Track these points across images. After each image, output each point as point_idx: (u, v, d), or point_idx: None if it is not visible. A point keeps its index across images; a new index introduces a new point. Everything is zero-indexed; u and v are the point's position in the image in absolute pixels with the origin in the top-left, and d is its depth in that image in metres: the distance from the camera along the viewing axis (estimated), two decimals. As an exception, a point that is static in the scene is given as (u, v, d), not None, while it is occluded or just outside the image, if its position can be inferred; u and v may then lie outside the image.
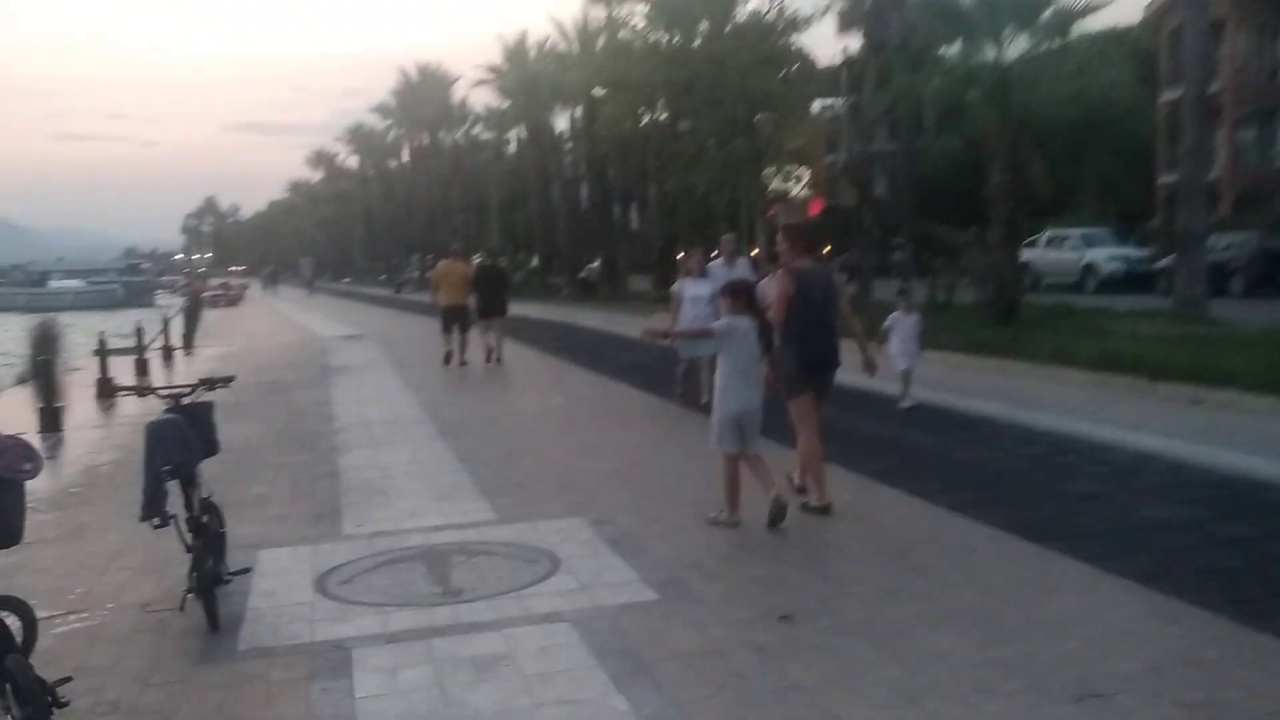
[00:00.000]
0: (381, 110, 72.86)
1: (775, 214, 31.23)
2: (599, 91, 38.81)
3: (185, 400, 5.76)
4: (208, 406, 5.81)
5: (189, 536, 5.35)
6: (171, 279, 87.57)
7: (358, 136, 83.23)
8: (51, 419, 12.57)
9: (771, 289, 7.33)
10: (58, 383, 14.36)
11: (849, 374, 7.71)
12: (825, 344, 7.17)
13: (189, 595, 5.33)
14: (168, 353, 22.39)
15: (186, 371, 19.84)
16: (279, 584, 6.03)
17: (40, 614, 4.46)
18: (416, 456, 9.87)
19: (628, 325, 23.16)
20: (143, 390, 6.28)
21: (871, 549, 6.37)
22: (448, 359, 17.71)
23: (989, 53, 19.85)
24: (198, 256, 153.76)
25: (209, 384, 5.92)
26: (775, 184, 37.99)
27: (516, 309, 21.47)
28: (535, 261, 56.43)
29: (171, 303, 49.43)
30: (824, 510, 7.07)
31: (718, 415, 6.85)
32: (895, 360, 11.33)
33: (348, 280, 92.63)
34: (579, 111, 44.21)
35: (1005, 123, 19.23)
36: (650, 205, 42.56)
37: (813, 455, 7.21)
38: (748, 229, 34.46)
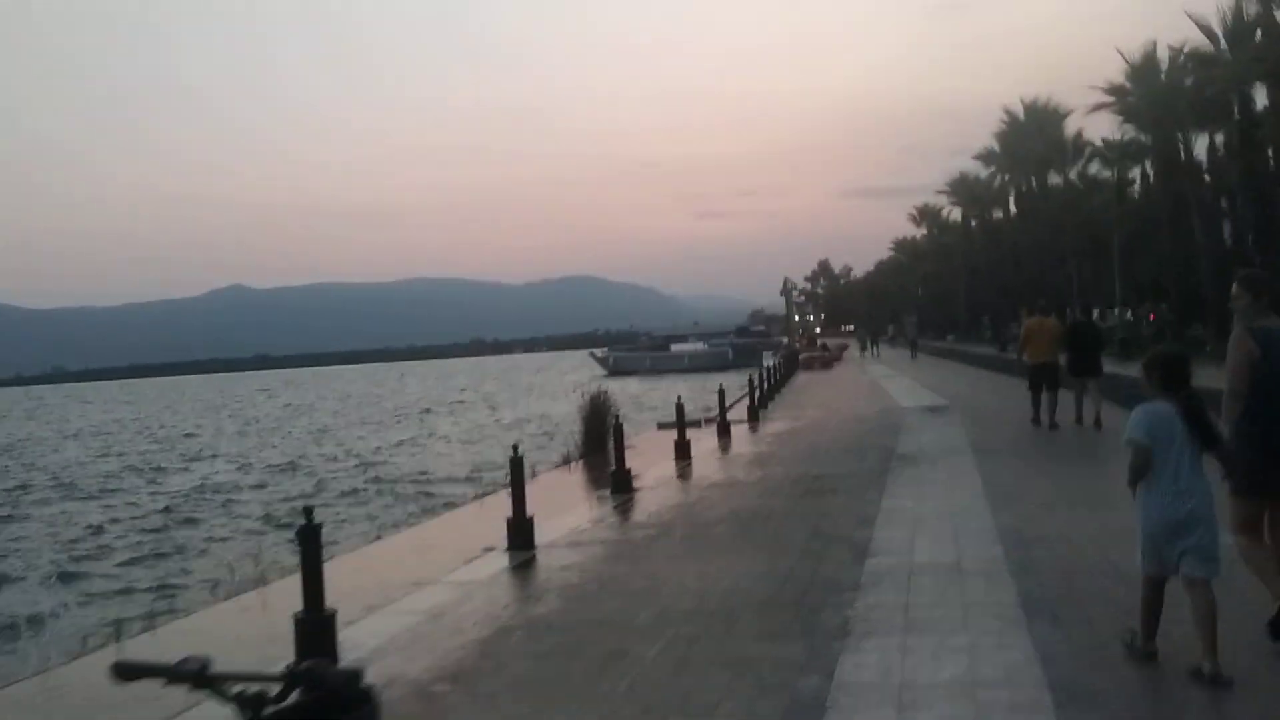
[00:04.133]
0: (984, 157, 68.04)
1: None
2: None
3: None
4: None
5: None
6: (779, 340, 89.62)
7: (959, 187, 79.07)
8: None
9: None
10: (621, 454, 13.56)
11: None
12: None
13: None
14: (723, 427, 19.98)
15: (731, 454, 17.10)
16: None
17: None
18: (976, 667, 5.52)
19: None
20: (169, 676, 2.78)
21: None
22: (1035, 420, 16.92)
23: None
24: (810, 318, 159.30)
25: (299, 681, 2.26)
26: None
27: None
28: (1161, 312, 47.76)
29: (771, 364, 48.96)
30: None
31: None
32: None
33: (951, 337, 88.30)
34: (1225, 131, 35.96)
35: None
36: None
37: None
38: None
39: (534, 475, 16.96)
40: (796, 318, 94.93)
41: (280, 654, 6.30)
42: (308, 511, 6.43)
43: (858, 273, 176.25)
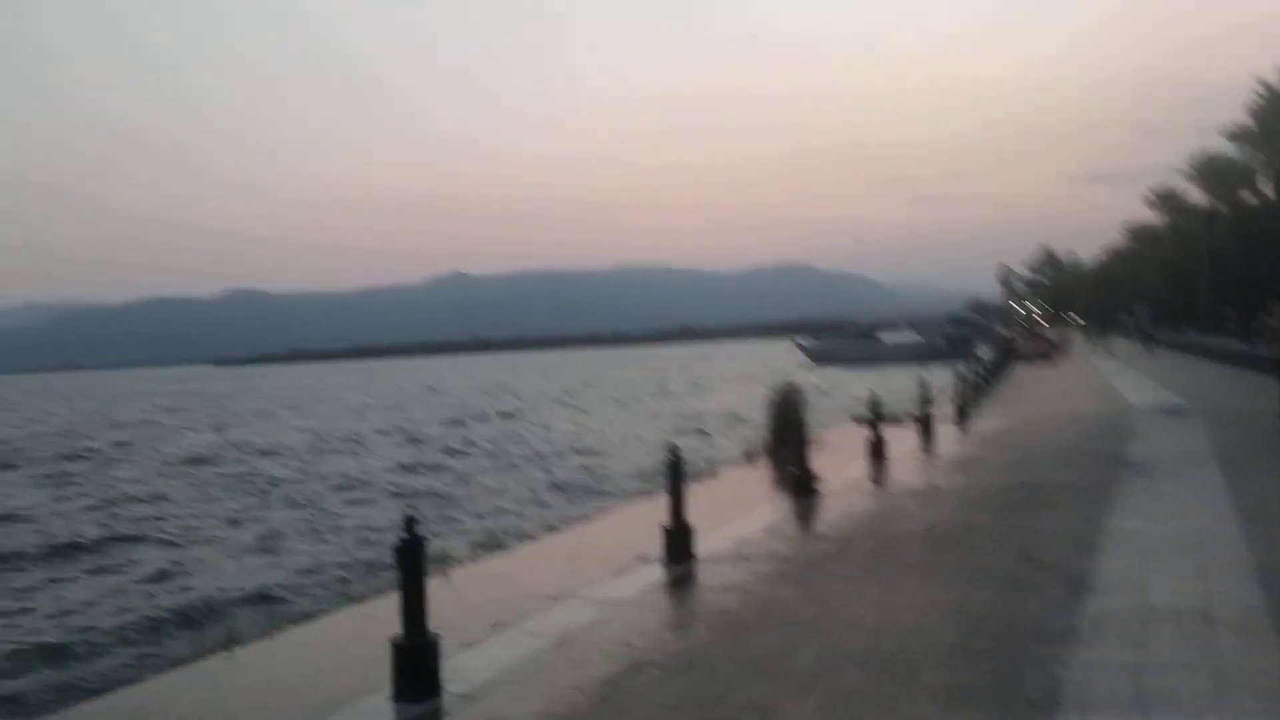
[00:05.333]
0: (1234, 134, 62.07)
1: None
2: None
3: None
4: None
5: None
6: (996, 331, 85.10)
7: (1204, 168, 72.59)
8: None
9: None
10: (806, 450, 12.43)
11: None
12: None
13: None
14: (926, 425, 18.29)
15: (932, 456, 15.50)
16: None
17: None
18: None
19: None
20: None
21: None
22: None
23: None
24: (1030, 307, 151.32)
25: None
26: None
27: None
28: None
29: (987, 356, 46.17)
30: None
31: None
32: None
33: (1189, 330, 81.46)
34: None
35: None
36: None
37: None
38: None
39: (712, 472, 15.93)
40: (1016, 307, 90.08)
41: (383, 676, 5.51)
42: (409, 523, 5.57)
43: (1084, 260, 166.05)
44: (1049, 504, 10.46)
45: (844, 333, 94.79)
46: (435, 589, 8.38)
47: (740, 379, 72.59)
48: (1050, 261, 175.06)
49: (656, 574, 8.29)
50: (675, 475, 8.70)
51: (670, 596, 7.67)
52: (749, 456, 16.55)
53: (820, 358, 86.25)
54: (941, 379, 32.19)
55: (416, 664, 5.52)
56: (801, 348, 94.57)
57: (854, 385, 52.01)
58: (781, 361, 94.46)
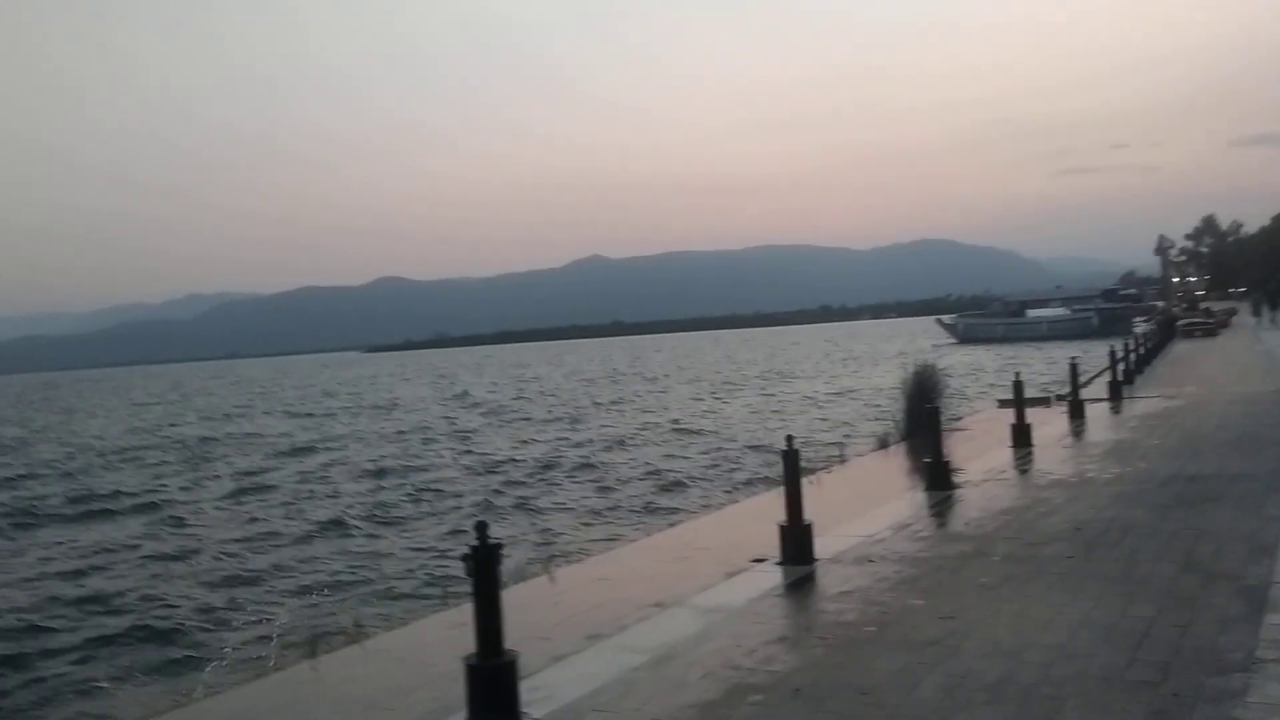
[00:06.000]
0: None
1: None
2: None
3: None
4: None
5: None
6: (1153, 304, 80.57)
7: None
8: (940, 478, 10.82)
9: None
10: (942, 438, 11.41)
11: None
12: None
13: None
14: (1076, 407, 17.02)
15: (1084, 441, 14.32)
16: None
17: None
18: None
19: None
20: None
21: None
22: None
23: None
24: (1192, 279, 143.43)
25: None
26: None
27: None
28: None
29: (1144, 331, 43.68)
30: None
31: None
32: None
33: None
34: None
35: None
36: None
37: None
38: None
39: (843, 459, 15.11)
40: (1175, 279, 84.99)
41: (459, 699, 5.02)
42: (480, 529, 5.06)
43: (1250, 228, 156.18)
44: (1217, 499, 9.36)
45: (990, 310, 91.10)
46: (537, 590, 7.96)
47: (881, 359, 70.71)
48: (1211, 230, 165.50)
49: (772, 578, 7.63)
50: (792, 470, 8.01)
51: (784, 605, 6.98)
52: (883, 443, 15.63)
53: (965, 336, 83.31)
54: (1094, 357, 30.40)
55: (492, 686, 5.02)
56: (945, 326, 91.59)
57: (999, 364, 49.89)
58: (924, 340, 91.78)
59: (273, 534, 17.20)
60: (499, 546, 5.10)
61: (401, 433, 37.38)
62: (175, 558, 15.58)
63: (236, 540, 16.67)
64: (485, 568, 5.05)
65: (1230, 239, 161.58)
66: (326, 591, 12.68)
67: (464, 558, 5.06)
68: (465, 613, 7.46)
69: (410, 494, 20.83)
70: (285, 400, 71.90)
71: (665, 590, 7.44)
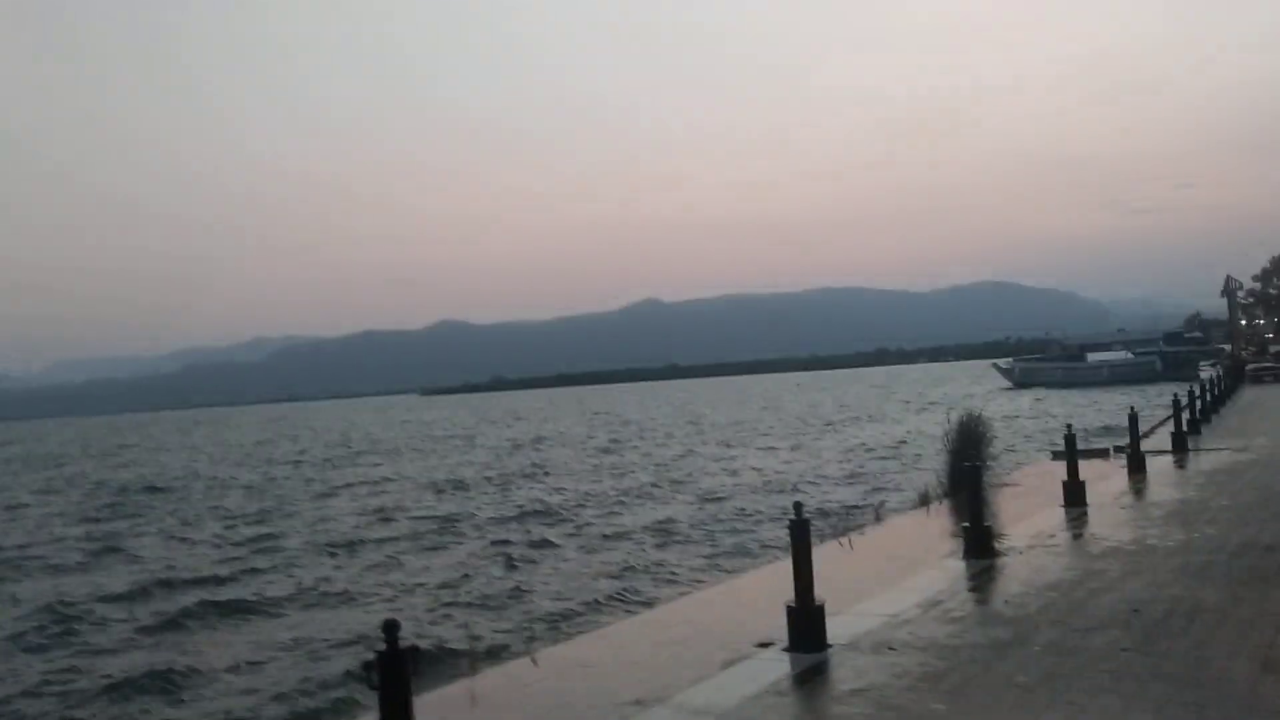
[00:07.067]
0: None
1: None
2: None
3: None
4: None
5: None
6: (1219, 348, 77.81)
7: None
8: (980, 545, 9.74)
9: None
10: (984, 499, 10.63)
11: None
12: None
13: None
14: (1136, 460, 15.77)
15: (1145, 500, 13.09)
16: None
17: None
18: None
19: None
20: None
21: None
22: None
23: None
24: (1260, 322, 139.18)
25: None
26: None
27: None
28: None
29: (1210, 376, 41.87)
30: None
31: None
32: None
33: None
34: None
35: None
36: None
37: None
38: None
39: (878, 519, 14.01)
40: (1243, 322, 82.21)
41: None
42: (389, 630, 4.16)
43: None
44: (1300, 576, 8.18)
45: (1048, 353, 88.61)
46: (506, 680, 7.01)
47: (932, 404, 68.94)
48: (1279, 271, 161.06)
49: (775, 668, 6.62)
50: (801, 542, 7.02)
51: (781, 708, 5.94)
52: (924, 499, 14.48)
53: (1021, 380, 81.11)
54: (1157, 403, 28.96)
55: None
56: (1000, 370, 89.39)
57: (1057, 410, 48.19)
58: (980, 385, 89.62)
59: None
60: (410, 651, 4.22)
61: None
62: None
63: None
64: (392, 677, 4.16)
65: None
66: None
67: (365, 666, 4.16)
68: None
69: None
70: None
71: (651, 682, 6.46)
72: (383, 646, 4.16)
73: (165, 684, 11.05)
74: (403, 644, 4.19)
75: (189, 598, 15.70)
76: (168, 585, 17.00)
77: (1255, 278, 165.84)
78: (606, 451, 44.14)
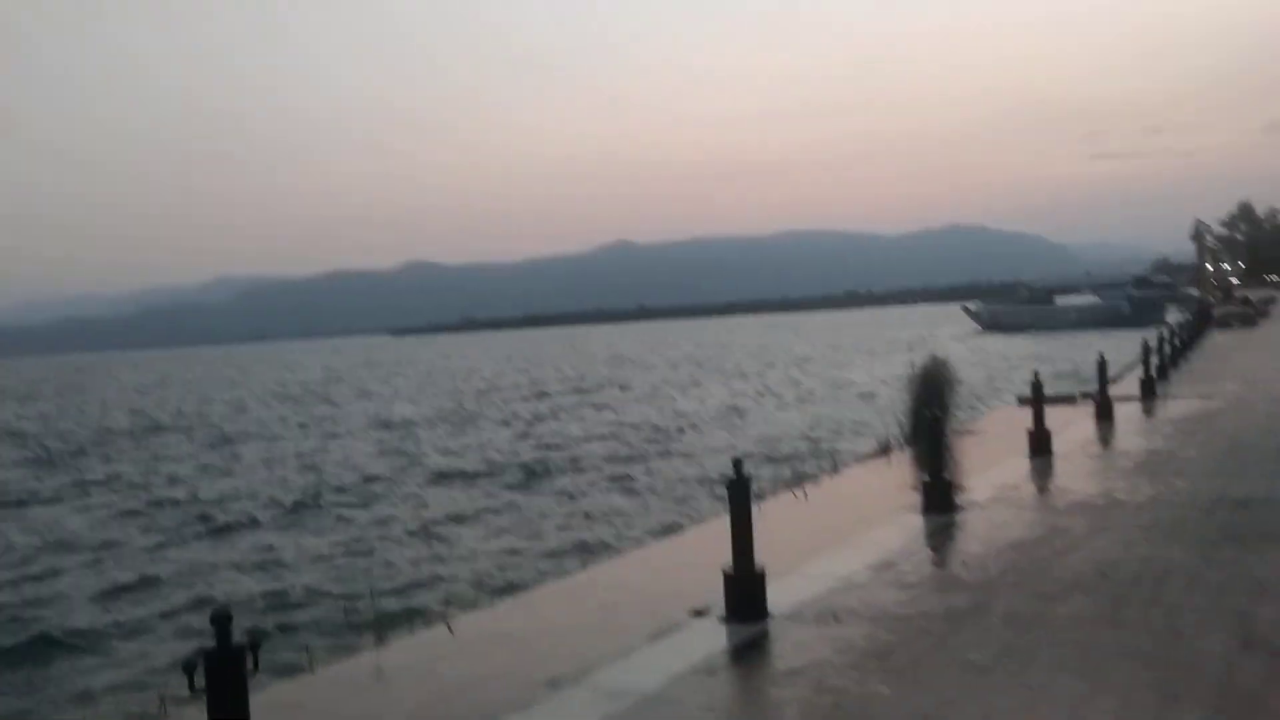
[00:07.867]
0: None
1: None
2: None
3: None
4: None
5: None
6: (1187, 293, 77.88)
7: None
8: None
9: None
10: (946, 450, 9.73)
11: None
12: None
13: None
14: (1104, 407, 15.28)
15: (1112, 449, 12.58)
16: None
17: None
18: None
19: None
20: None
21: None
22: None
23: None
24: (1225, 267, 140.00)
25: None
26: None
27: None
28: None
29: (1177, 320, 41.62)
30: None
31: None
32: None
33: None
34: None
35: None
36: None
37: None
38: None
39: (834, 469, 13.42)
40: (1210, 266, 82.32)
41: None
42: (220, 623, 3.47)
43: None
44: (1276, 537, 7.65)
45: (1015, 296, 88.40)
46: (418, 654, 6.36)
47: (900, 346, 68.72)
48: (1248, 217, 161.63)
49: (709, 641, 6.02)
50: (740, 505, 6.38)
51: (709, 689, 5.33)
52: (885, 448, 13.90)
53: (990, 324, 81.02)
54: (1125, 348, 28.60)
55: None
56: (970, 313, 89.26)
57: (1024, 354, 47.96)
58: (948, 328, 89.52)
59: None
60: (246, 648, 3.54)
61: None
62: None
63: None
64: (223, 680, 3.48)
65: (1267, 225, 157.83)
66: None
67: (186, 665, 3.47)
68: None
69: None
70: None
71: (571, 657, 5.83)
72: (214, 644, 3.48)
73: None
74: (238, 639, 3.51)
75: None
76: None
77: (1223, 222, 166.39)
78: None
